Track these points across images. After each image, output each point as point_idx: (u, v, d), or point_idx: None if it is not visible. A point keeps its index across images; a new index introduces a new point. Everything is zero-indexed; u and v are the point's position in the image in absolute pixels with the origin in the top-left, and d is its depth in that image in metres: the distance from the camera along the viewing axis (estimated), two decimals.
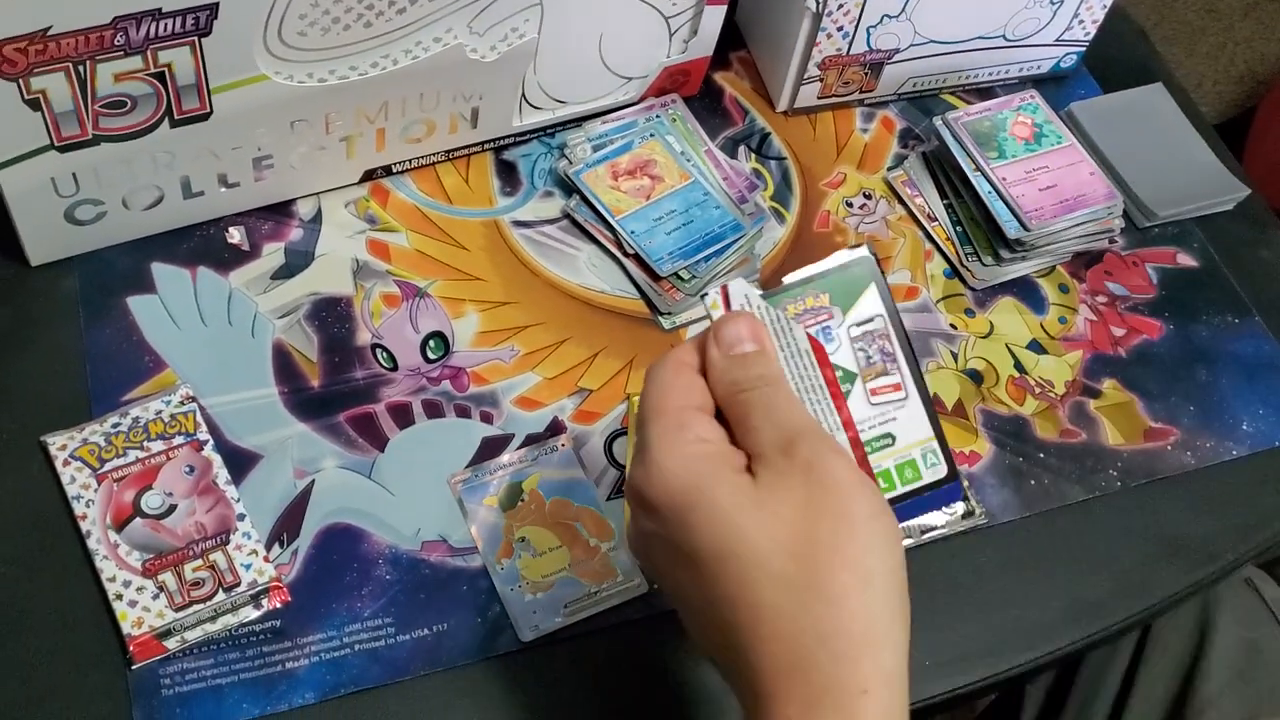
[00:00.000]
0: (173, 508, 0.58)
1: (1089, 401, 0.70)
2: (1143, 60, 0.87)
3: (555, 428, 0.64)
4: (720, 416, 0.45)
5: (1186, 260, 0.77)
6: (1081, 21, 0.80)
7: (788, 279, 0.45)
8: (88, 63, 0.55)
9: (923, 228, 0.76)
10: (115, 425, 0.60)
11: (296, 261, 0.68)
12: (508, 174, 0.74)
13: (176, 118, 0.60)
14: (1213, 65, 1.80)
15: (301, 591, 0.58)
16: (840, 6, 0.72)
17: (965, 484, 0.45)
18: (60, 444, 0.59)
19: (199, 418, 0.61)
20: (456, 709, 0.56)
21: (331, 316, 0.66)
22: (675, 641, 0.59)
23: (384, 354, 0.66)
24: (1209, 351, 0.73)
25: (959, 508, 0.46)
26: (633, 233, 0.70)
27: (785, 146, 0.78)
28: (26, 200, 0.61)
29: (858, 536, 0.41)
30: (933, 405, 0.46)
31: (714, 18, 0.72)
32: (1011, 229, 0.72)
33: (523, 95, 0.71)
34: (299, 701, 0.55)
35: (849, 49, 0.76)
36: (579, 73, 0.72)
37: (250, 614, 0.56)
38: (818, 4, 0.72)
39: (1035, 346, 0.72)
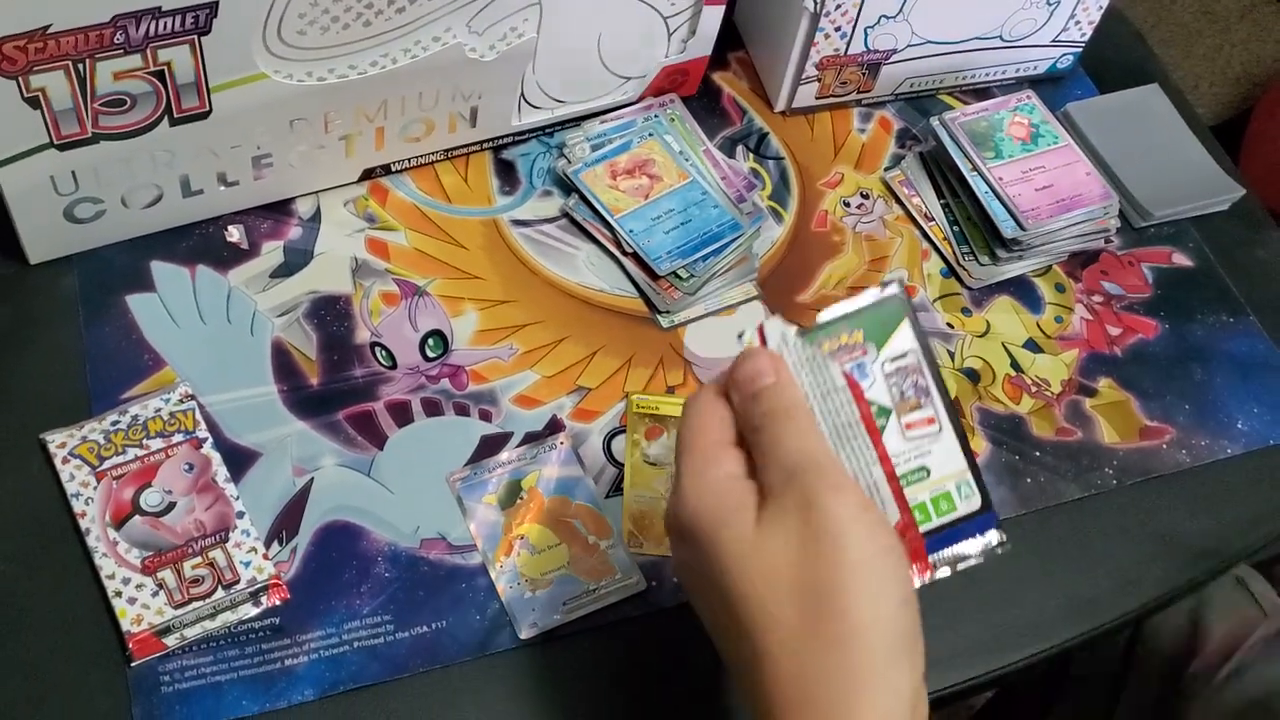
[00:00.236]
0: (172, 505, 0.58)
1: (1085, 400, 0.70)
2: (1139, 61, 0.87)
3: (554, 426, 0.65)
4: None
5: (1182, 260, 0.77)
6: (1078, 22, 0.80)
7: (821, 316, 0.46)
8: (87, 61, 0.56)
9: (920, 227, 0.76)
10: (114, 423, 0.60)
11: (295, 260, 0.68)
12: (506, 173, 0.74)
13: (176, 116, 0.60)
14: (1210, 67, 1.81)
15: (300, 589, 0.58)
16: (838, 7, 0.73)
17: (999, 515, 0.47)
18: (60, 442, 0.59)
19: (198, 416, 0.61)
20: (455, 706, 0.56)
21: (330, 315, 0.66)
22: (673, 639, 0.59)
23: (383, 352, 0.66)
24: (1204, 351, 0.73)
25: (993, 537, 0.47)
26: (631, 232, 0.70)
27: (783, 146, 0.78)
28: (26, 198, 0.61)
29: (851, 583, 0.41)
30: (966, 437, 0.47)
31: (712, 18, 0.73)
32: (1008, 229, 0.72)
33: (521, 94, 0.71)
34: (298, 698, 0.55)
35: (847, 49, 0.76)
36: (578, 72, 0.72)
37: (249, 611, 0.57)
38: (816, 4, 0.72)
39: (1031, 345, 0.72)
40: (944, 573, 0.46)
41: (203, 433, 0.61)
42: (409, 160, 0.72)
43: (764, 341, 0.45)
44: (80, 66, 0.56)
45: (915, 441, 0.46)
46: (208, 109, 0.61)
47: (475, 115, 0.70)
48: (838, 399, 0.45)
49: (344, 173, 0.70)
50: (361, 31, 0.62)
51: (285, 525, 0.59)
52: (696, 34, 0.73)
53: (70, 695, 0.54)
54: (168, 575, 0.56)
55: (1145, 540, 0.66)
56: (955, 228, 0.75)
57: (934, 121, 0.76)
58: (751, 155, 0.78)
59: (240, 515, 0.59)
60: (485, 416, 0.64)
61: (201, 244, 0.68)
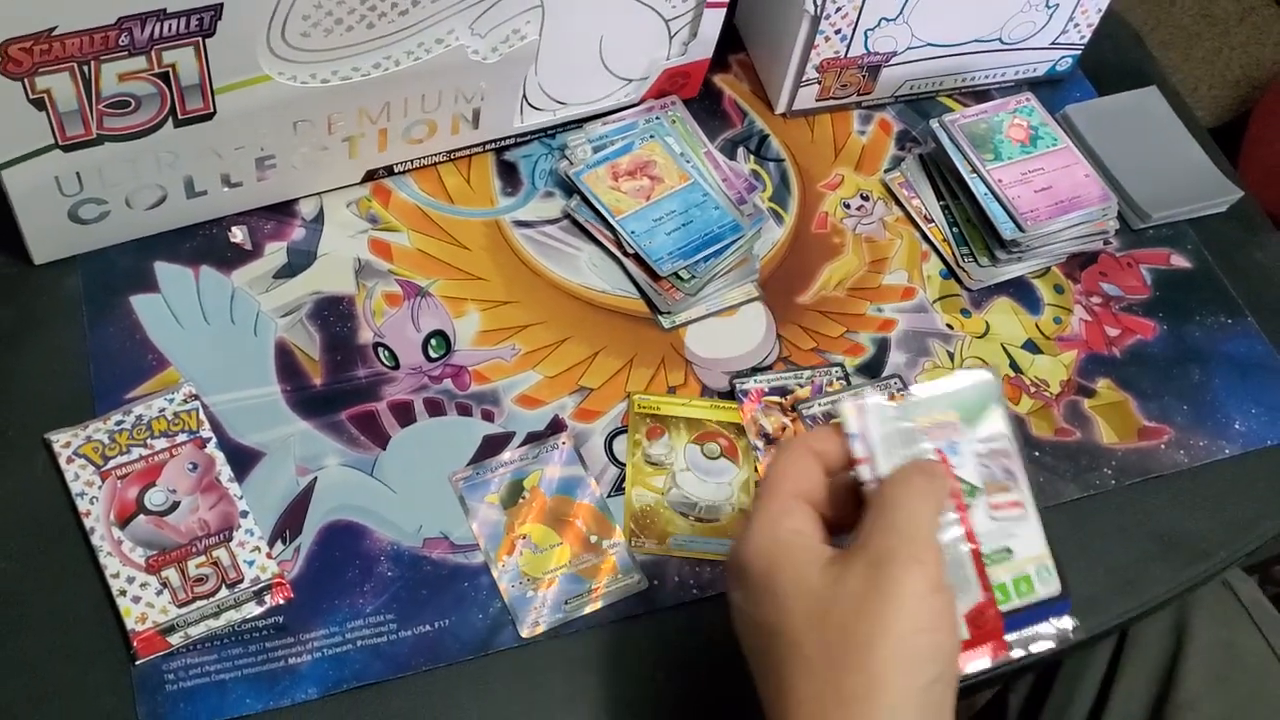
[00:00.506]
0: (176, 504, 0.59)
1: (1083, 401, 0.70)
2: (1137, 64, 0.88)
3: (556, 426, 0.65)
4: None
5: (1180, 261, 0.78)
6: (1077, 25, 0.81)
7: (916, 391, 0.48)
8: (92, 63, 0.56)
9: (919, 229, 0.76)
10: (119, 423, 0.60)
11: (299, 261, 0.68)
12: (509, 174, 0.74)
13: (180, 118, 0.61)
14: (1209, 70, 1.81)
15: (304, 588, 0.58)
16: (838, 9, 0.73)
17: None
18: (64, 441, 0.60)
19: (202, 415, 0.61)
20: (458, 704, 0.56)
21: (334, 315, 0.67)
22: (675, 638, 0.60)
23: (386, 353, 0.66)
24: (1202, 352, 0.74)
25: (1068, 622, 0.48)
26: (633, 233, 0.70)
27: (783, 148, 0.79)
28: (31, 199, 0.61)
29: (885, 648, 0.42)
30: (1043, 524, 0.48)
31: (713, 20, 0.73)
32: (1007, 230, 0.73)
33: (524, 96, 0.72)
34: (301, 697, 0.55)
35: (847, 52, 0.76)
36: (579, 74, 0.72)
37: (253, 610, 0.57)
38: (816, 7, 0.73)
39: (1030, 346, 0.72)
40: (1018, 653, 0.47)
41: (206, 432, 0.61)
42: (412, 161, 0.72)
43: (861, 410, 0.46)
44: (85, 68, 0.56)
45: (1000, 523, 0.48)
46: (212, 110, 0.61)
47: (477, 117, 0.71)
48: None
49: (347, 174, 0.71)
50: (365, 34, 0.62)
51: (289, 524, 0.60)
52: (698, 36, 0.73)
53: (74, 693, 0.54)
54: (172, 574, 0.57)
55: (1144, 540, 0.66)
56: (955, 229, 0.75)
57: (934, 124, 0.76)
58: (752, 157, 0.78)
59: (244, 514, 0.59)
60: (488, 416, 0.65)
61: (205, 245, 0.68)
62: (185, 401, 0.62)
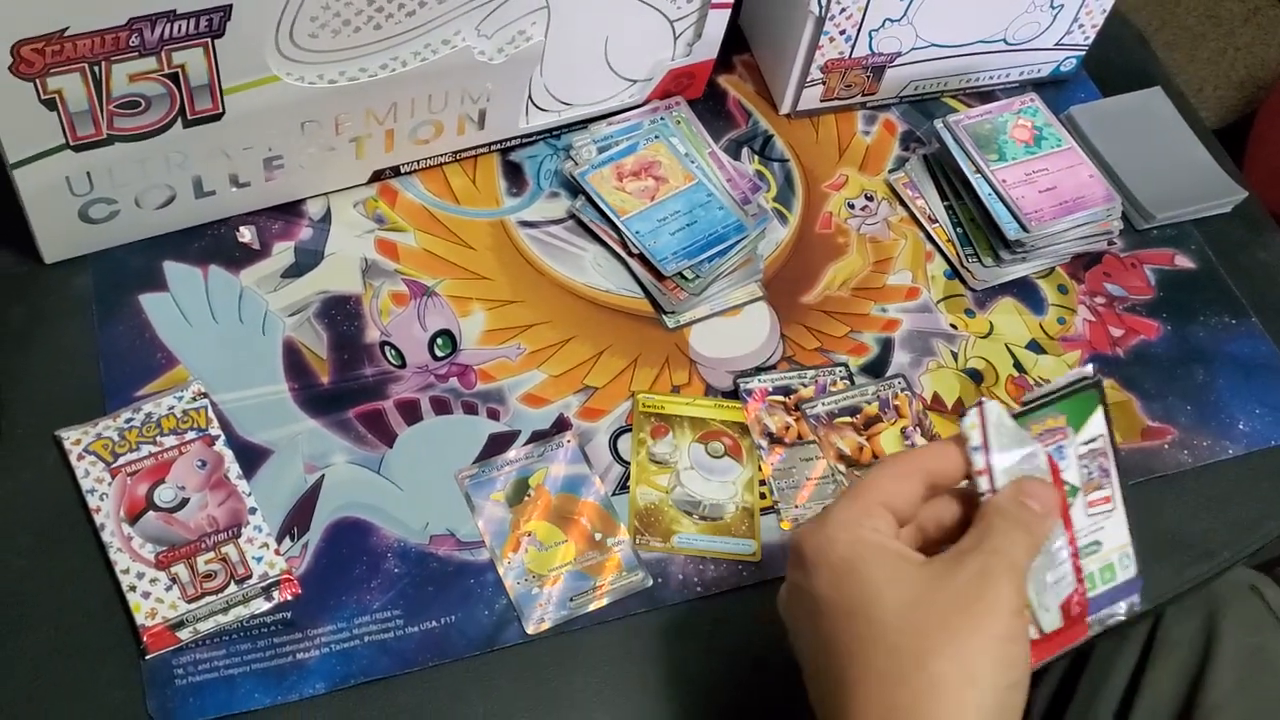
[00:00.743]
0: (185, 501, 0.59)
1: None
2: (1141, 64, 0.88)
3: (561, 424, 0.65)
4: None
5: (1184, 262, 0.78)
6: (1081, 26, 0.81)
7: (1029, 398, 0.49)
8: (103, 63, 0.56)
9: (924, 229, 0.76)
10: (128, 420, 0.61)
11: (306, 260, 0.69)
12: (514, 175, 0.75)
13: (189, 118, 0.61)
14: (1214, 70, 1.81)
15: (312, 584, 0.59)
16: (843, 10, 0.73)
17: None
18: (75, 439, 0.60)
19: (211, 413, 0.62)
20: (464, 699, 0.57)
21: (341, 314, 0.67)
22: (678, 635, 0.60)
23: (392, 351, 0.66)
24: (1206, 352, 0.74)
25: (1135, 599, 0.51)
26: (637, 233, 0.71)
27: (788, 148, 0.79)
28: (41, 199, 0.62)
29: (979, 642, 0.44)
30: (1127, 510, 0.51)
31: (718, 21, 0.73)
32: (1011, 230, 0.73)
33: (529, 97, 0.72)
34: (309, 691, 0.56)
35: (851, 52, 0.77)
36: (585, 75, 0.73)
37: (261, 606, 0.57)
38: (820, 8, 0.73)
39: (1034, 346, 0.73)
40: (1095, 630, 0.50)
41: (215, 430, 0.61)
42: (418, 162, 0.73)
43: (984, 423, 0.47)
44: (96, 69, 0.56)
45: (1094, 518, 0.50)
46: (221, 111, 0.62)
47: (483, 118, 0.71)
48: (1041, 479, 0.48)
49: (354, 174, 0.71)
50: (372, 35, 0.63)
51: (296, 521, 0.60)
52: (702, 37, 0.74)
53: (85, 688, 0.55)
54: (181, 570, 0.57)
55: (1147, 540, 0.65)
56: (959, 229, 0.76)
57: (938, 124, 0.76)
58: (756, 157, 0.78)
59: (252, 511, 0.60)
60: (493, 415, 0.65)
61: (214, 244, 0.69)
62: (194, 399, 0.62)
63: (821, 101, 0.80)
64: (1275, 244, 0.80)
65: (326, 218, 0.71)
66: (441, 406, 0.65)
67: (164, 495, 0.59)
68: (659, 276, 0.70)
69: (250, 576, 0.58)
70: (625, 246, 0.71)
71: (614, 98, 0.76)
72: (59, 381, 0.63)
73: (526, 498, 0.62)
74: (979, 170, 0.75)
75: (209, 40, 0.58)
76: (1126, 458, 0.68)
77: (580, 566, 0.61)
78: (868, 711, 0.44)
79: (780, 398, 0.68)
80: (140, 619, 0.56)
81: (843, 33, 0.75)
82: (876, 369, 0.70)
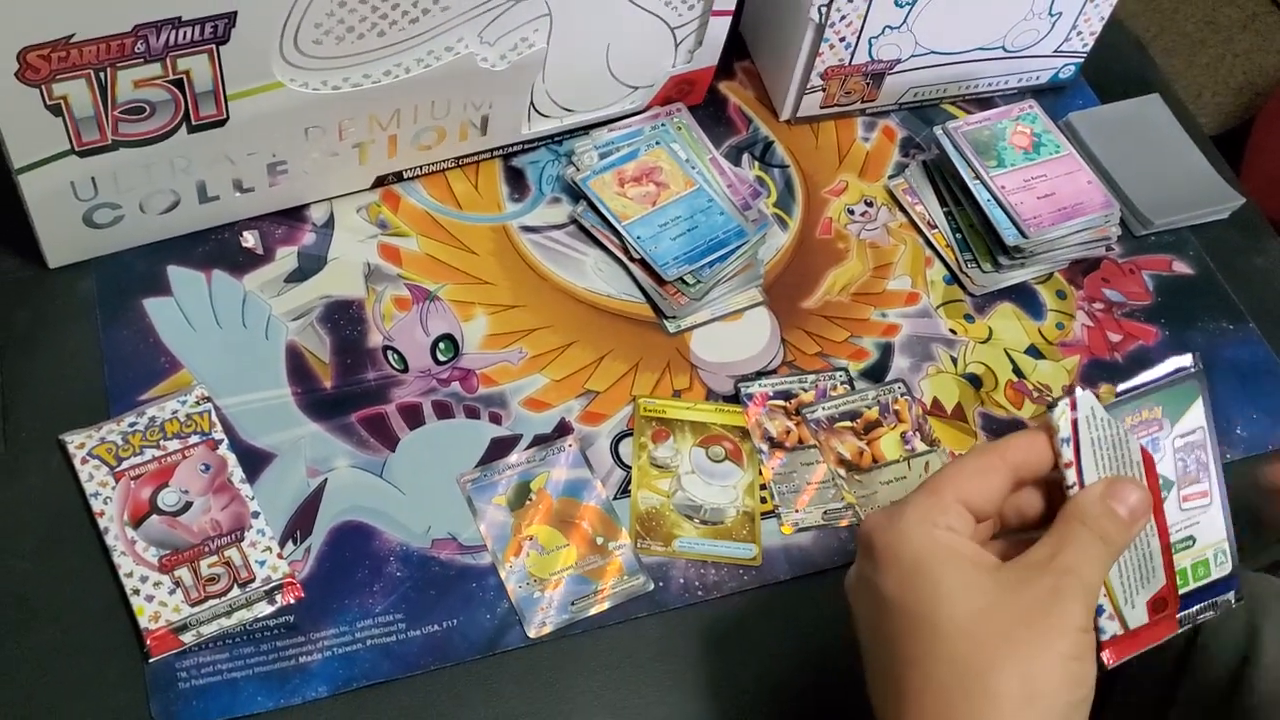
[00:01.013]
0: (188, 505, 0.60)
1: None
2: (1139, 71, 0.89)
3: (562, 428, 0.66)
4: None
5: (1182, 268, 0.78)
6: (1080, 33, 0.81)
7: (1121, 388, 0.48)
8: (108, 69, 0.57)
9: (923, 235, 0.77)
10: (132, 424, 0.61)
11: (309, 265, 0.69)
12: (516, 180, 0.75)
13: (194, 124, 0.62)
14: (1212, 77, 1.82)
15: (314, 588, 0.59)
16: (843, 18, 0.74)
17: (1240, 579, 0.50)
18: (79, 442, 0.60)
19: (214, 417, 0.62)
20: (465, 703, 0.57)
21: (343, 319, 0.68)
22: (679, 639, 0.60)
23: (395, 356, 0.67)
24: (1204, 357, 0.72)
25: (1231, 597, 0.50)
26: (639, 238, 0.71)
27: (788, 154, 0.79)
28: (46, 204, 0.62)
29: (1044, 659, 0.43)
30: (1227, 506, 0.49)
31: (719, 28, 0.74)
32: (1010, 236, 0.73)
33: (531, 103, 0.72)
34: (312, 695, 0.56)
35: (851, 59, 0.77)
36: (587, 82, 0.73)
37: (264, 609, 0.58)
38: (820, 15, 0.74)
39: (1033, 352, 0.73)
40: (1185, 628, 0.48)
41: (219, 434, 0.62)
42: (421, 167, 0.73)
43: (1075, 409, 0.46)
44: (101, 75, 0.57)
45: (1189, 513, 0.48)
46: (225, 117, 0.62)
47: (486, 123, 0.72)
48: (1132, 472, 0.46)
49: (357, 180, 0.72)
50: (376, 41, 0.63)
51: (299, 525, 0.61)
52: (703, 44, 0.74)
53: (88, 691, 0.55)
54: (184, 573, 0.58)
55: None
56: (958, 235, 0.76)
57: (937, 130, 0.77)
58: (757, 163, 0.79)
59: (255, 515, 0.60)
60: (495, 419, 0.66)
61: (217, 249, 0.69)
62: (197, 403, 0.63)
63: (821, 108, 0.80)
64: (1272, 250, 0.80)
65: (329, 223, 0.71)
66: (444, 411, 0.65)
67: (167, 499, 0.59)
68: (660, 281, 0.70)
69: (253, 580, 0.58)
70: (627, 251, 0.71)
71: (616, 104, 0.76)
72: (63, 385, 0.63)
73: (528, 502, 0.63)
74: (978, 176, 0.75)
75: (214, 46, 0.58)
76: None
77: (582, 570, 0.61)
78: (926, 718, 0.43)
79: (781, 402, 0.68)
80: (143, 622, 0.56)
81: (842, 40, 0.75)
82: (876, 374, 0.71)
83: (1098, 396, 0.46)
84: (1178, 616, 0.48)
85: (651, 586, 0.61)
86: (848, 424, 0.68)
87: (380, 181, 0.72)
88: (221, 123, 0.62)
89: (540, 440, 0.65)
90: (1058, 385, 0.72)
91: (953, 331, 0.73)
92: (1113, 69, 0.87)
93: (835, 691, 0.57)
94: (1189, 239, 0.79)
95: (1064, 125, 0.81)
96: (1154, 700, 0.70)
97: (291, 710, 0.56)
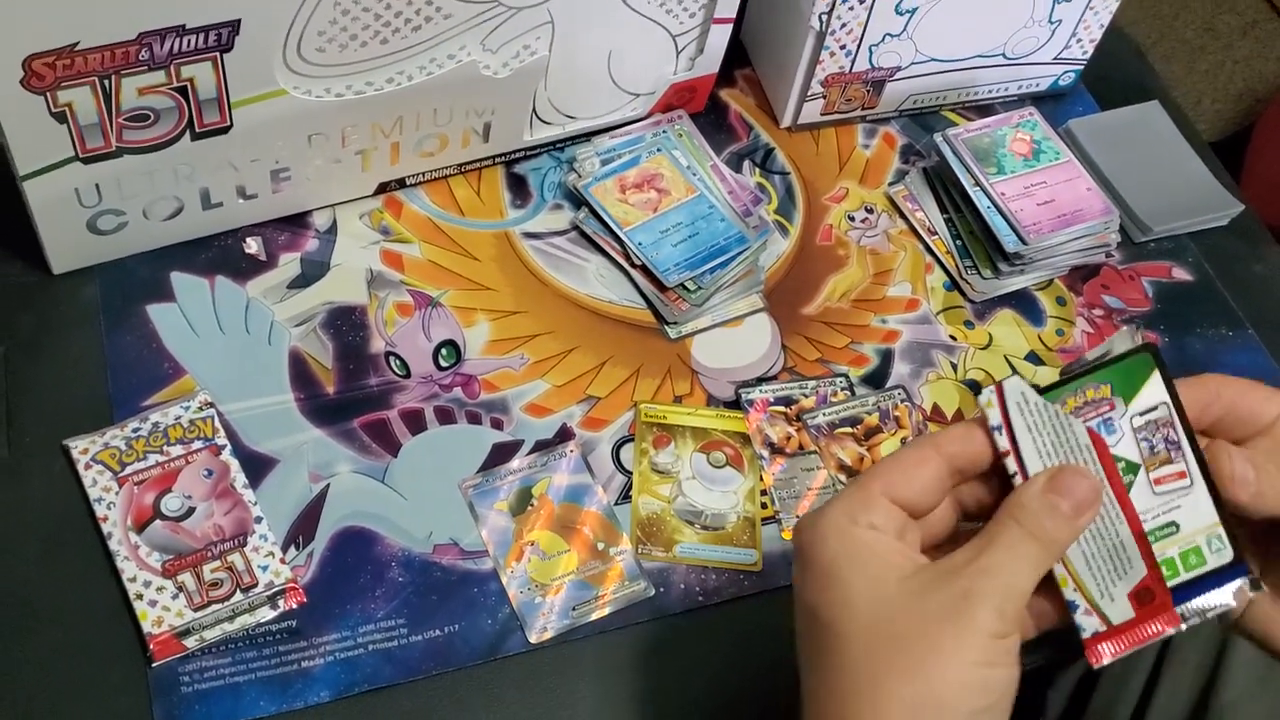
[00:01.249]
0: (191, 510, 0.60)
1: None
2: (1139, 78, 0.89)
3: (564, 434, 0.66)
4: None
5: (1182, 274, 0.79)
6: (1079, 40, 0.82)
7: (1066, 368, 0.46)
8: (113, 77, 0.57)
9: (923, 241, 0.77)
10: (135, 430, 0.61)
11: (312, 271, 0.70)
12: (518, 187, 0.75)
13: (197, 131, 0.62)
14: (1211, 83, 1.82)
15: (316, 593, 0.59)
16: (843, 25, 0.74)
17: (1251, 569, 0.46)
18: (82, 448, 0.61)
19: (217, 423, 0.62)
20: (467, 708, 0.57)
21: (346, 325, 0.68)
22: (680, 644, 0.60)
23: (397, 362, 0.67)
24: (1203, 364, 0.74)
25: (1242, 585, 0.46)
26: (640, 244, 0.71)
27: (789, 161, 0.80)
28: (51, 210, 0.63)
29: (941, 667, 0.41)
30: (1218, 491, 0.46)
31: (720, 36, 0.74)
32: (1010, 243, 0.73)
33: (533, 110, 0.73)
34: (314, 699, 0.56)
35: (851, 67, 0.77)
36: (588, 89, 0.73)
37: (267, 614, 0.58)
38: (821, 23, 0.74)
39: (1033, 358, 0.73)
40: (1194, 621, 0.45)
41: (221, 440, 0.62)
42: (423, 174, 0.73)
43: (1003, 401, 0.44)
44: (106, 82, 0.57)
45: (1165, 496, 0.45)
46: (228, 124, 0.62)
47: (488, 130, 0.72)
48: (1080, 457, 0.44)
49: (360, 186, 0.72)
50: (379, 49, 0.63)
51: (302, 530, 0.61)
52: (704, 52, 0.75)
53: (92, 695, 0.55)
54: (187, 578, 0.58)
55: None
56: (958, 242, 0.76)
57: (937, 137, 0.77)
58: (758, 170, 0.79)
59: (258, 520, 0.60)
60: (497, 425, 0.66)
61: (220, 255, 0.69)
62: (200, 409, 0.63)
63: (822, 115, 0.81)
64: (1272, 257, 0.81)
65: (332, 229, 0.71)
66: (445, 416, 0.66)
67: (171, 504, 0.60)
68: (661, 288, 0.71)
69: (256, 585, 0.58)
70: (628, 258, 0.72)
71: (617, 111, 0.76)
72: (67, 391, 0.63)
73: (529, 507, 0.63)
74: (978, 183, 0.75)
75: (218, 54, 0.58)
76: None
77: (583, 576, 0.61)
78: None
79: (781, 408, 0.68)
80: (147, 627, 0.56)
81: (843, 47, 0.76)
82: (877, 380, 0.71)
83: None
84: (1179, 610, 0.45)
85: (652, 592, 0.61)
86: (848, 430, 0.68)
87: (383, 188, 0.73)
88: (225, 130, 0.63)
89: (542, 446, 0.65)
90: None
91: (953, 338, 0.73)
92: (1112, 76, 0.87)
93: None
94: (1188, 246, 0.80)
95: (1064, 132, 0.81)
96: (1134, 701, 0.70)
97: (294, 715, 0.56)
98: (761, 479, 0.66)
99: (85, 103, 0.58)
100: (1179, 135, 0.83)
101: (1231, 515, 0.46)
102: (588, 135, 0.76)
